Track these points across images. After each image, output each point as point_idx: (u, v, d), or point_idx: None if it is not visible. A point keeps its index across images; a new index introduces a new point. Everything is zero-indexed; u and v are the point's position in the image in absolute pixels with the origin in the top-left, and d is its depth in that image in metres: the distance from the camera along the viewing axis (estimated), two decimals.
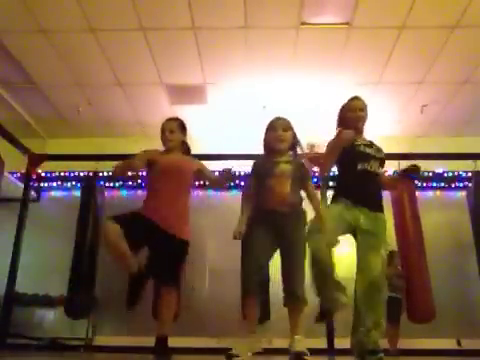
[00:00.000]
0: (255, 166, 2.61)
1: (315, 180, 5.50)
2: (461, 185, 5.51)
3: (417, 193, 4.63)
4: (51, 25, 4.14)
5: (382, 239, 2.57)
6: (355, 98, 2.80)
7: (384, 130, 5.92)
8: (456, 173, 5.57)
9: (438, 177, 5.61)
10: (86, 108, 5.49)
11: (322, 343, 3.83)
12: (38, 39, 4.30)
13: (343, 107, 2.84)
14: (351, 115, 2.75)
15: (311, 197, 2.55)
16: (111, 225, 2.40)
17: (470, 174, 4.90)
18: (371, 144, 2.73)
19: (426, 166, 5.54)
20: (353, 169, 2.60)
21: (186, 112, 5.60)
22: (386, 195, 4.66)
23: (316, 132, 5.83)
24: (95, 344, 4.84)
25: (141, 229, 2.52)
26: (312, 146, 5.68)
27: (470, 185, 4.77)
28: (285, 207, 2.41)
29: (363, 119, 2.76)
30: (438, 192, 5.66)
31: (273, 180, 2.43)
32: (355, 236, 2.59)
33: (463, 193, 5.12)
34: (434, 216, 5.18)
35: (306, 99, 5.26)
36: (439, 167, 5.60)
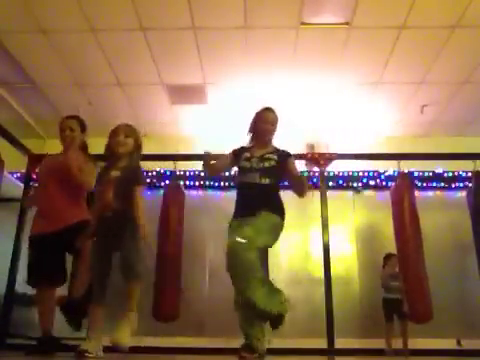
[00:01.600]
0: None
1: (315, 180, 5.51)
2: (461, 185, 5.51)
3: (417, 193, 4.63)
4: (51, 25, 4.15)
5: (254, 226, 2.51)
6: (269, 109, 2.84)
7: (384, 130, 5.93)
8: (456, 173, 5.57)
9: (438, 177, 5.61)
10: (86, 108, 5.48)
11: (322, 343, 3.83)
12: (38, 39, 4.30)
13: (257, 115, 2.87)
14: (262, 126, 2.80)
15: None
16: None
17: (470, 174, 4.89)
18: (260, 156, 2.73)
19: (426, 166, 5.55)
20: (239, 183, 2.73)
21: (186, 112, 5.62)
22: (386, 195, 4.69)
23: (316, 132, 5.85)
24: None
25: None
26: (312, 146, 5.69)
27: (470, 185, 4.76)
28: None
29: (271, 133, 2.82)
30: (438, 192, 5.66)
31: (101, 187, 2.55)
32: None
33: (463, 193, 5.11)
34: (434, 216, 5.17)
35: (306, 99, 5.26)
36: (439, 167, 5.61)
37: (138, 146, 2.66)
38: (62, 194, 2.78)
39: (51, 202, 2.77)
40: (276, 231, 2.63)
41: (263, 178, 2.63)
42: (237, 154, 2.83)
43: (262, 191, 2.64)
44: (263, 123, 2.80)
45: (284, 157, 2.77)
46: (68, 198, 2.80)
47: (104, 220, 2.46)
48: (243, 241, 2.41)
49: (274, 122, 2.81)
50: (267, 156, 2.72)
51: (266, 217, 2.57)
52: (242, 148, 2.87)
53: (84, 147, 3.04)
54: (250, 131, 2.89)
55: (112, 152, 2.61)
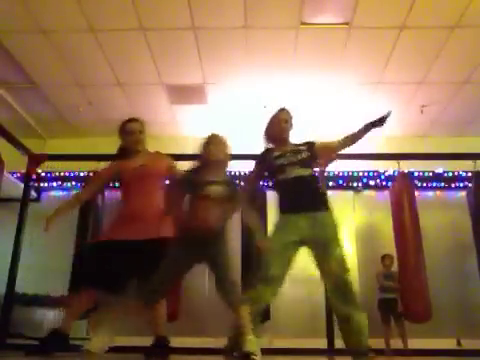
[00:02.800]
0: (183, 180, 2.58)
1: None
2: (461, 185, 5.52)
3: (417, 193, 4.63)
4: (51, 25, 4.14)
5: (332, 238, 2.50)
6: (282, 109, 2.83)
7: (384, 130, 5.91)
8: (456, 173, 5.57)
9: (438, 177, 5.61)
10: (86, 108, 5.49)
11: (322, 343, 3.83)
12: (38, 39, 4.30)
13: (270, 119, 2.85)
14: (277, 127, 2.79)
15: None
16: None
17: (470, 174, 4.90)
18: (290, 150, 2.70)
19: (426, 166, 5.55)
20: (277, 182, 2.66)
21: (186, 112, 5.62)
22: (386, 195, 4.69)
23: (316, 132, 5.85)
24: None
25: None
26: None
27: (470, 185, 4.77)
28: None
29: (287, 131, 2.80)
30: (438, 192, 5.66)
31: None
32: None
33: (463, 193, 5.12)
34: (434, 216, 5.18)
35: (306, 99, 5.26)
36: (439, 167, 5.61)
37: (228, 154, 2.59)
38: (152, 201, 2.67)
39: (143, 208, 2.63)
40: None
41: (303, 170, 2.61)
42: (263, 158, 2.76)
43: (309, 184, 2.61)
44: (278, 123, 2.78)
45: (310, 145, 2.77)
46: (157, 206, 2.67)
47: (198, 236, 2.36)
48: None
49: (288, 119, 2.79)
50: (297, 149, 2.71)
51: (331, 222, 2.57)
52: (265, 151, 2.80)
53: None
54: (267, 135, 2.84)
55: (206, 161, 2.51)
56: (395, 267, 4.54)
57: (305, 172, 2.61)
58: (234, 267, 2.47)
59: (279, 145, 2.76)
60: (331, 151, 2.86)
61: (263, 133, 2.84)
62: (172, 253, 2.43)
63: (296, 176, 2.59)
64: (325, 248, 2.46)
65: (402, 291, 4.28)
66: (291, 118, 2.81)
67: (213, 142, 2.55)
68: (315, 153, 2.73)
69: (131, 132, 2.88)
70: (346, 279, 2.44)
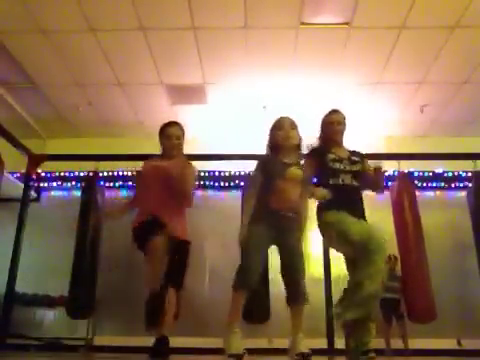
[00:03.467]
0: (263, 165, 2.61)
1: (315, 180, 5.51)
2: (461, 185, 5.51)
3: (417, 193, 4.63)
4: (51, 25, 4.14)
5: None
6: (334, 111, 2.84)
7: (384, 130, 5.93)
8: (456, 173, 5.57)
9: (438, 177, 5.61)
10: (86, 108, 5.49)
11: (322, 343, 3.83)
12: (38, 39, 4.30)
13: (323, 120, 2.87)
14: (329, 129, 2.80)
15: (302, 203, 2.58)
16: (159, 240, 2.46)
17: (470, 174, 4.90)
18: (347, 157, 2.72)
19: (426, 166, 5.55)
20: (327, 185, 2.65)
21: (186, 112, 5.61)
22: (386, 195, 4.68)
23: (316, 132, 5.84)
24: (95, 344, 4.84)
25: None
26: (312, 146, 5.68)
27: (470, 185, 4.76)
28: (291, 211, 2.45)
29: (341, 132, 2.81)
30: (438, 192, 5.66)
31: (284, 183, 2.46)
32: None
33: (463, 193, 5.12)
34: (434, 216, 5.17)
35: (306, 99, 5.26)
36: (439, 167, 5.61)
37: (301, 139, 2.66)
38: (169, 202, 2.65)
39: (161, 207, 2.62)
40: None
41: (354, 180, 2.67)
42: (319, 154, 2.76)
43: (357, 196, 2.69)
44: (330, 124, 2.80)
45: (363, 159, 2.81)
46: (175, 209, 2.67)
47: (282, 218, 2.43)
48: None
49: (340, 121, 2.80)
50: (354, 159, 2.74)
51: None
52: (318, 148, 2.81)
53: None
54: (320, 135, 2.88)
55: (278, 145, 2.57)
56: (398, 267, 4.53)
57: (355, 182, 2.66)
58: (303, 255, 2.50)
59: (332, 146, 2.76)
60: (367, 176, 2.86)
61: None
62: (254, 235, 2.44)
63: (347, 184, 2.64)
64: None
65: (406, 291, 4.27)
66: (344, 119, 2.82)
67: (278, 127, 2.60)
68: (364, 169, 2.78)
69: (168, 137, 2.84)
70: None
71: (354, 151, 2.83)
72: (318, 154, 2.73)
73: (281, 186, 2.45)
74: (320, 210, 2.60)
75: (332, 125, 2.78)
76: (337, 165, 2.65)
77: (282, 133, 2.57)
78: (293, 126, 2.62)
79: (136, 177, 2.88)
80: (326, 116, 2.84)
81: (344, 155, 2.72)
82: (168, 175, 2.62)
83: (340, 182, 2.61)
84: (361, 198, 2.71)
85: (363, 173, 2.75)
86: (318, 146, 2.81)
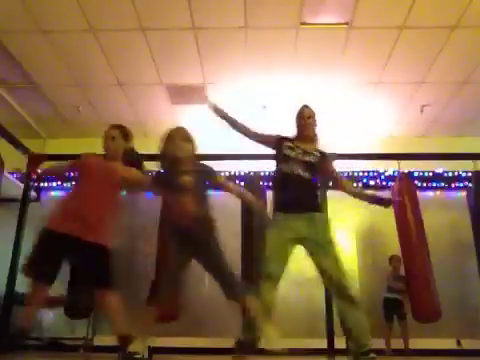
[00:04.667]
0: (157, 180, 2.63)
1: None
2: (461, 185, 5.51)
3: (418, 193, 4.63)
4: (51, 25, 4.14)
5: (326, 240, 2.59)
6: (305, 106, 2.90)
7: (384, 130, 5.93)
8: (456, 173, 5.57)
9: (438, 177, 5.61)
10: (86, 108, 5.49)
11: (322, 343, 3.83)
12: (38, 39, 4.30)
13: (296, 115, 2.93)
14: (299, 122, 2.86)
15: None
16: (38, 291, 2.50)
17: (470, 174, 4.90)
18: (303, 150, 2.74)
19: (426, 166, 5.55)
20: (279, 171, 2.72)
21: (186, 112, 5.61)
22: (386, 195, 4.68)
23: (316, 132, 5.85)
24: (95, 344, 4.83)
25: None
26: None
27: (470, 185, 4.77)
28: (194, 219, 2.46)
29: (312, 126, 2.85)
30: (438, 192, 5.66)
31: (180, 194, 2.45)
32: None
33: (463, 193, 5.12)
34: (434, 216, 5.17)
35: (306, 99, 5.22)
36: (439, 167, 5.61)
37: (195, 149, 2.63)
38: (102, 203, 2.64)
39: (89, 208, 2.60)
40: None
41: (305, 171, 2.65)
42: (280, 139, 2.81)
43: (307, 186, 2.67)
44: (301, 119, 2.85)
45: (326, 156, 2.81)
46: (106, 210, 2.65)
47: (183, 228, 2.39)
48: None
49: (311, 116, 2.84)
50: (309, 151, 2.74)
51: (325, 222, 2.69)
52: (285, 137, 2.85)
53: (126, 154, 2.91)
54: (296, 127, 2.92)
55: (170, 157, 2.53)
56: (402, 268, 4.53)
57: (305, 174, 2.64)
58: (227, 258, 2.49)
59: (300, 138, 2.80)
60: (337, 185, 2.92)
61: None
62: (167, 248, 2.46)
63: (295, 173, 2.63)
64: (323, 248, 2.53)
65: (410, 290, 4.25)
66: (314, 115, 2.86)
67: (169, 139, 2.58)
68: (324, 166, 2.77)
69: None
70: (342, 276, 2.49)
71: (320, 150, 2.84)
72: (281, 138, 2.80)
73: (171, 198, 2.46)
74: (272, 209, 2.67)
75: (302, 119, 2.82)
76: (288, 152, 2.70)
77: (174, 145, 2.56)
78: (185, 138, 2.61)
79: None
80: (298, 111, 2.90)
81: (304, 147, 2.74)
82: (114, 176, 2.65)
83: (289, 170, 2.65)
84: (313, 190, 2.71)
85: (321, 171, 2.77)
86: (285, 136, 2.86)
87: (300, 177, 2.63)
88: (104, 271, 2.59)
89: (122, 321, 2.56)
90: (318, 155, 2.75)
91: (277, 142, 2.79)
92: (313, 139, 2.84)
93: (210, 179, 2.54)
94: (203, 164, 2.61)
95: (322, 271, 2.52)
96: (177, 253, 2.45)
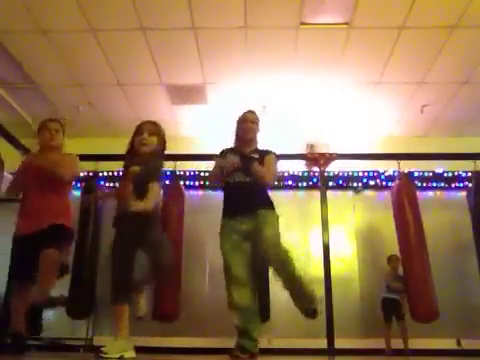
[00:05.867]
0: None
1: (315, 180, 5.51)
2: (461, 185, 5.52)
3: (417, 193, 4.63)
4: (51, 25, 4.14)
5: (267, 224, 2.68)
6: (249, 111, 2.98)
7: (384, 130, 5.93)
8: (456, 173, 5.57)
9: (438, 177, 5.62)
10: (86, 108, 5.48)
11: (322, 343, 3.83)
12: (38, 39, 4.30)
13: (238, 118, 3.01)
14: (241, 127, 2.95)
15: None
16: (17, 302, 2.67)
17: (470, 174, 4.90)
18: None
19: (426, 166, 5.55)
20: (226, 184, 2.83)
21: (186, 112, 5.61)
22: (386, 195, 4.69)
23: (316, 132, 5.85)
24: (95, 344, 4.84)
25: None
26: (312, 146, 5.69)
27: (470, 185, 4.77)
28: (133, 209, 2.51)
29: (253, 131, 2.94)
30: (438, 192, 5.66)
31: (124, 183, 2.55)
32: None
33: (463, 193, 5.12)
34: (434, 216, 5.17)
35: (306, 99, 5.26)
36: (439, 167, 5.61)
37: (162, 145, 2.67)
38: (43, 195, 2.83)
39: (32, 204, 2.87)
40: (277, 224, 2.77)
41: (247, 177, 2.74)
42: (223, 156, 2.91)
43: (251, 189, 2.74)
44: (243, 123, 2.91)
45: (264, 154, 2.88)
46: (49, 200, 2.84)
47: (126, 217, 2.44)
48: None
49: (254, 121, 2.88)
50: (250, 156, 2.82)
51: (266, 215, 2.72)
52: (226, 150, 2.96)
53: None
54: (235, 135, 3.00)
55: (135, 150, 2.59)
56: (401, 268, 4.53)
57: (249, 178, 2.75)
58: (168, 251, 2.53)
59: (240, 145, 2.91)
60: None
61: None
62: (115, 240, 2.48)
63: (238, 181, 2.75)
64: (259, 233, 2.63)
65: (408, 290, 4.26)
66: (258, 121, 2.94)
67: (145, 131, 2.64)
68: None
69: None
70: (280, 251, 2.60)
71: (261, 150, 2.91)
72: (222, 154, 2.91)
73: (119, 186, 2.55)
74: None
75: (245, 123, 2.88)
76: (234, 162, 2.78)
77: (139, 138, 2.62)
78: (152, 132, 2.65)
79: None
80: (242, 114, 2.96)
81: (244, 152, 2.83)
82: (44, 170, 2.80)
83: (232, 180, 2.76)
84: (257, 193, 2.78)
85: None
86: (228, 148, 2.96)
87: (243, 182, 2.79)
88: (56, 234, 2.71)
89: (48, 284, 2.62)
90: (257, 156, 2.86)
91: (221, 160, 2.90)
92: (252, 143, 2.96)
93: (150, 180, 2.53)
94: (156, 166, 2.63)
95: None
96: (121, 241, 2.47)
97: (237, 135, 2.99)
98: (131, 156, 2.65)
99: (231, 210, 2.77)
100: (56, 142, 2.99)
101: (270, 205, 2.81)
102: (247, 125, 2.90)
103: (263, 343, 4.58)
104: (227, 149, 3.00)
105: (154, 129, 2.65)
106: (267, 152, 2.93)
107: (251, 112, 2.96)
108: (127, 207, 2.42)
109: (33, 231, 2.73)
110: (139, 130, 2.63)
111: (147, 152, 2.58)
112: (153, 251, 2.47)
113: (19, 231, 2.84)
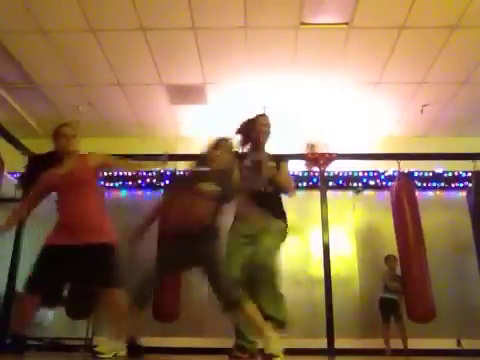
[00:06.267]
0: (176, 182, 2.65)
1: (315, 180, 5.51)
2: (461, 185, 5.52)
3: (417, 193, 4.63)
4: (51, 25, 4.14)
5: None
6: (261, 115, 2.99)
7: (384, 130, 5.93)
8: (456, 173, 5.57)
9: (438, 177, 5.62)
10: (86, 108, 5.48)
11: (322, 343, 3.83)
12: (38, 39, 4.30)
13: (250, 121, 2.97)
14: (255, 131, 2.92)
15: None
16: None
17: (470, 174, 4.90)
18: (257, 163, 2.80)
19: (426, 166, 5.55)
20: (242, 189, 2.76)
21: (186, 112, 5.61)
22: (386, 195, 4.69)
23: (316, 132, 5.85)
24: (95, 344, 4.83)
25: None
26: (312, 146, 5.68)
27: (470, 185, 4.77)
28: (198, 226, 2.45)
29: (267, 135, 2.92)
30: (438, 192, 5.66)
31: (191, 198, 2.47)
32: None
33: (463, 193, 5.12)
34: (434, 216, 5.17)
35: (306, 99, 5.26)
36: (439, 167, 5.61)
37: (233, 163, 2.62)
38: (78, 204, 2.68)
39: (69, 213, 2.68)
40: (283, 236, 2.77)
41: (268, 187, 2.74)
42: (239, 159, 2.85)
43: (268, 199, 2.75)
44: (258, 126, 2.89)
45: (278, 160, 2.88)
46: (85, 207, 2.68)
47: (189, 234, 2.34)
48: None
49: (268, 124, 2.90)
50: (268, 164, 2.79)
51: (276, 225, 2.74)
52: (242, 154, 2.91)
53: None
54: (243, 137, 2.94)
55: (206, 161, 2.54)
56: (398, 268, 4.53)
57: (268, 189, 2.76)
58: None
59: (253, 149, 2.88)
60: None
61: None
62: (163, 251, 2.43)
63: (257, 190, 2.72)
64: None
65: (405, 291, 4.26)
66: (270, 125, 2.93)
67: (220, 148, 2.58)
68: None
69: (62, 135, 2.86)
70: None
71: (273, 155, 2.89)
72: (239, 158, 2.83)
73: (187, 201, 2.41)
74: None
75: (260, 127, 2.88)
76: (250, 172, 2.76)
77: (212, 154, 2.59)
78: (223, 149, 2.62)
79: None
80: (254, 118, 2.95)
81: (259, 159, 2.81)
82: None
83: (252, 188, 2.72)
84: (276, 203, 2.80)
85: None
86: (241, 153, 2.92)
87: (262, 193, 2.79)
88: (107, 269, 2.57)
89: (124, 326, 2.53)
90: (274, 165, 2.89)
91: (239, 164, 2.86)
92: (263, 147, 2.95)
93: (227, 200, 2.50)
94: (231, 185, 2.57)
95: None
96: (175, 259, 2.42)
97: (249, 138, 2.93)
98: (201, 164, 2.59)
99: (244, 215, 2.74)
100: (73, 147, 2.89)
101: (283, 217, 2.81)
102: (262, 129, 2.88)
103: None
104: (241, 154, 2.94)
105: (229, 146, 2.62)
106: (280, 158, 2.92)
107: (264, 116, 2.95)
108: (199, 226, 2.34)
109: (72, 244, 2.55)
110: (216, 146, 2.60)
111: (219, 168, 2.53)
112: (214, 277, 2.41)
113: (52, 241, 2.66)
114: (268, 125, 2.91)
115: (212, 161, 2.52)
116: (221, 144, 2.59)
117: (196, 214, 2.34)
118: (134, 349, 2.61)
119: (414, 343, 4.49)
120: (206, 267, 2.40)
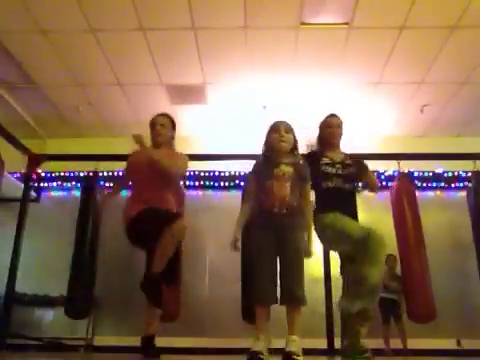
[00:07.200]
0: (255, 167, 2.61)
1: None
2: (461, 185, 5.52)
3: (417, 193, 4.63)
4: (51, 25, 4.14)
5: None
6: (333, 115, 2.98)
7: (384, 130, 5.93)
8: (456, 173, 5.57)
9: (438, 177, 5.62)
10: (86, 108, 5.49)
11: (322, 343, 3.83)
12: (38, 39, 4.30)
13: (322, 123, 3.02)
14: (327, 131, 2.94)
15: (305, 201, 2.54)
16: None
17: (470, 174, 4.90)
18: (340, 161, 2.84)
19: (426, 166, 5.55)
20: (319, 188, 2.79)
21: (186, 112, 5.61)
22: (386, 195, 4.69)
23: (316, 132, 5.84)
24: (95, 344, 4.84)
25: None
26: (312, 146, 5.68)
27: (470, 185, 4.76)
28: (284, 208, 2.40)
29: (339, 136, 2.95)
30: (438, 192, 5.66)
31: (272, 181, 2.43)
32: None
33: (463, 193, 5.12)
34: (434, 216, 5.17)
35: (306, 99, 5.26)
36: (439, 167, 5.61)
37: (296, 141, 2.63)
38: (155, 188, 2.76)
39: (142, 195, 2.75)
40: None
41: (346, 183, 2.81)
42: (313, 158, 2.86)
43: (349, 198, 2.90)
44: (329, 127, 2.93)
45: (360, 166, 2.94)
46: (161, 192, 2.78)
47: (276, 216, 2.37)
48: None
49: (340, 125, 2.94)
50: (347, 163, 2.85)
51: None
52: (313, 153, 2.96)
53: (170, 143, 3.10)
54: (317, 139, 3.03)
55: (273, 148, 2.56)
56: (398, 267, 4.53)
57: (348, 186, 2.85)
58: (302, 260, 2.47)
59: (328, 149, 2.90)
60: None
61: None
62: (255, 246, 2.42)
63: (339, 187, 2.79)
64: None
65: (405, 290, 4.26)
66: (342, 124, 2.95)
67: (274, 130, 2.59)
68: (360, 174, 2.94)
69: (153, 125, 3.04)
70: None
71: (349, 155, 2.94)
72: (313, 158, 2.84)
73: (270, 185, 2.43)
74: (315, 213, 2.69)
75: (331, 128, 2.91)
76: (329, 169, 2.79)
77: (276, 136, 2.56)
78: (287, 130, 2.61)
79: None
80: (325, 119, 2.98)
81: (338, 159, 2.84)
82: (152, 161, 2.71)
83: (331, 185, 2.76)
84: (353, 201, 2.92)
85: (358, 177, 2.93)
86: (314, 150, 2.96)
87: (343, 190, 2.90)
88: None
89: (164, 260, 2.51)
90: (353, 165, 2.93)
91: (312, 164, 2.86)
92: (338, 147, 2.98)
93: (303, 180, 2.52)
94: (305, 164, 2.59)
95: None
96: (267, 245, 2.40)
97: (320, 139, 3.01)
98: (269, 153, 2.58)
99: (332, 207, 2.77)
100: (163, 137, 2.94)
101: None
102: (334, 130, 2.93)
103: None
104: (316, 151, 2.97)
105: (288, 127, 2.62)
106: (358, 158, 3.01)
107: (335, 116, 2.98)
108: (284, 206, 2.37)
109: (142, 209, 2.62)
110: (274, 128, 2.60)
111: (288, 149, 2.56)
112: (291, 263, 2.41)
113: (128, 214, 2.68)
114: (340, 126, 2.96)
115: (280, 143, 2.53)
116: (280, 125, 2.62)
117: (280, 195, 2.38)
118: (150, 349, 2.59)
119: (414, 343, 4.49)
120: (288, 251, 2.41)
